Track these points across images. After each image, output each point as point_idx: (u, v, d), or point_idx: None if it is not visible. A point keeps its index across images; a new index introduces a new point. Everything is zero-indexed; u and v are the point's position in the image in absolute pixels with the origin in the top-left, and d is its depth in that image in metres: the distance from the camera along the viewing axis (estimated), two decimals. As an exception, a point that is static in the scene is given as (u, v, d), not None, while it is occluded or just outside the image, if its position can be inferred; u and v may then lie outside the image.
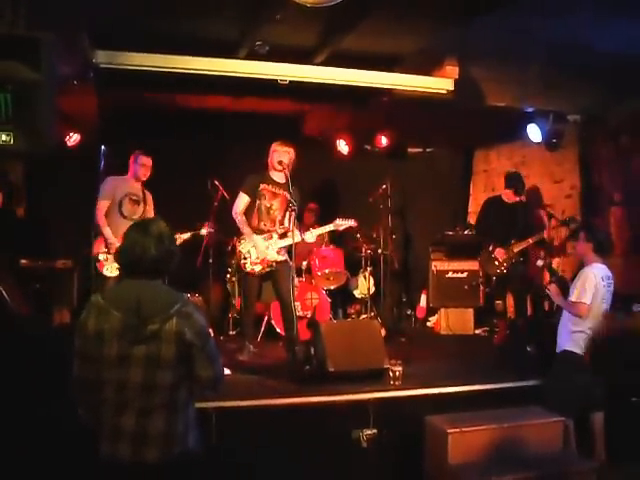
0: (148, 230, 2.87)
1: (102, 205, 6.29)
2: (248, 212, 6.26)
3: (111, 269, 6.13)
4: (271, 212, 6.24)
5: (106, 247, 6.17)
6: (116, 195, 6.35)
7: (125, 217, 6.29)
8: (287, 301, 6.02)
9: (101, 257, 6.20)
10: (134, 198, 6.44)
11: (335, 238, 8.48)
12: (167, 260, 2.89)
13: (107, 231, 6.21)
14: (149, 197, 6.65)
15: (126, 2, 4.95)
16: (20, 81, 3.65)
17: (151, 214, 6.63)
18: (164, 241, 2.86)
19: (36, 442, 4.16)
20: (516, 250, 7.21)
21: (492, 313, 7.95)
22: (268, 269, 6.19)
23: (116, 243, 6.10)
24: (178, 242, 6.24)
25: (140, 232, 2.88)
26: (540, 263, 6.31)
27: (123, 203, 6.30)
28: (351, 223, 6.52)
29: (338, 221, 6.47)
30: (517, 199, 7.44)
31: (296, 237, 5.87)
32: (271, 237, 6.21)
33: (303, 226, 6.93)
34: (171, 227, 2.99)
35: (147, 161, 6.47)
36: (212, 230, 6.87)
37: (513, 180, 7.51)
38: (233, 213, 6.27)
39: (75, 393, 2.87)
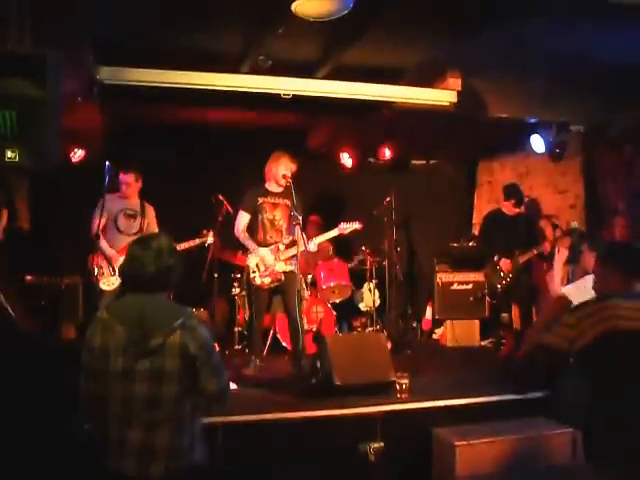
0: (147, 245, 2.89)
1: (97, 223, 6.36)
2: (252, 227, 6.27)
3: (107, 283, 6.20)
4: (275, 223, 6.24)
5: (105, 259, 6.27)
6: (111, 211, 6.46)
7: (121, 232, 6.41)
8: (294, 315, 6.02)
9: (96, 271, 6.26)
10: (129, 213, 6.55)
11: (340, 251, 8.48)
12: (166, 275, 2.89)
13: (104, 244, 6.33)
14: (149, 210, 6.72)
15: (129, 18, 4.97)
16: (25, 98, 3.67)
17: (153, 227, 6.71)
18: (163, 256, 2.87)
19: (43, 457, 4.15)
20: (521, 261, 7.20)
21: (498, 325, 7.92)
22: (277, 283, 6.18)
23: (116, 255, 6.23)
24: (184, 248, 6.35)
25: (139, 247, 2.90)
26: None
27: (118, 218, 6.39)
28: (356, 226, 6.47)
29: (342, 225, 6.43)
30: (517, 211, 7.44)
31: (302, 246, 5.85)
32: (277, 249, 6.19)
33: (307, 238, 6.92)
34: (174, 241, 3.01)
35: (125, 178, 6.55)
36: (214, 239, 6.83)
37: (511, 192, 7.52)
38: (235, 232, 6.28)
39: (82, 408, 2.87)
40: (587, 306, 3.14)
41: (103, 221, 6.37)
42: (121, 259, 6.21)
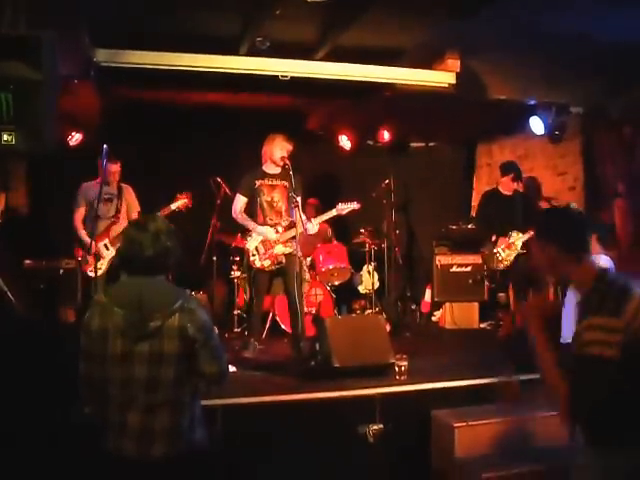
0: (145, 227, 2.88)
1: (77, 212, 6.67)
2: (251, 210, 6.25)
3: (92, 270, 6.28)
4: (274, 204, 6.22)
5: (85, 248, 6.36)
6: (88, 199, 6.60)
7: (100, 217, 6.42)
8: (294, 297, 6.03)
9: (81, 260, 6.47)
10: (106, 197, 6.59)
11: (339, 234, 8.48)
12: (164, 257, 2.88)
13: (82, 233, 6.58)
14: (127, 191, 6.84)
15: (127, 0, 4.94)
16: (21, 80, 3.65)
17: (134, 207, 6.85)
18: (160, 238, 2.86)
19: (42, 439, 4.17)
20: (518, 243, 7.18)
21: (496, 306, 7.93)
22: (278, 266, 6.18)
23: (94, 243, 6.23)
24: (165, 214, 6.31)
25: (137, 229, 2.89)
26: None
27: (96, 204, 6.30)
28: (354, 206, 6.44)
29: (340, 205, 6.39)
30: (515, 189, 7.40)
31: (300, 227, 5.89)
32: (277, 231, 6.19)
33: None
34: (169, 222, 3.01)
35: (113, 167, 6.65)
36: (187, 201, 6.69)
37: (509, 167, 7.51)
38: (233, 214, 6.27)
39: (81, 391, 2.88)
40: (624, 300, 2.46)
41: (83, 211, 6.63)
42: (100, 245, 6.50)
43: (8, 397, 4.22)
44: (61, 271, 7.27)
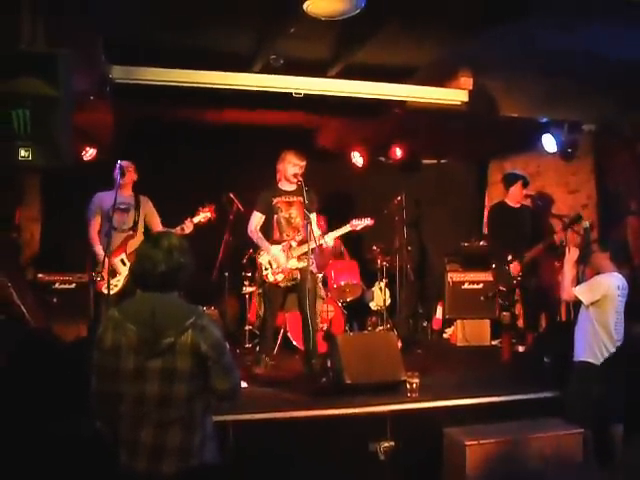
0: (158, 243, 2.89)
1: (92, 223, 6.30)
2: (267, 227, 6.27)
3: (110, 287, 5.89)
4: (292, 221, 6.23)
5: (100, 266, 6.02)
6: (103, 209, 6.27)
7: (115, 229, 6.14)
8: (307, 313, 6.01)
9: (95, 277, 6.14)
10: (122, 207, 6.28)
11: (351, 250, 8.48)
12: (177, 273, 2.89)
13: (98, 249, 6.15)
14: (144, 201, 6.53)
15: (142, 18, 4.99)
16: (38, 97, 3.70)
17: (153, 218, 6.55)
18: (173, 254, 2.87)
19: (54, 455, 4.17)
20: (527, 258, 7.06)
21: (499, 326, 7.72)
22: (293, 282, 6.18)
23: (111, 258, 6.02)
24: (191, 228, 6.22)
25: (150, 246, 2.91)
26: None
27: (112, 215, 6.01)
28: (368, 222, 6.39)
29: (354, 222, 6.36)
30: (524, 195, 7.35)
31: (313, 243, 5.87)
32: (290, 246, 6.19)
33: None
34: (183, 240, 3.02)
35: (128, 164, 6.37)
36: (211, 214, 6.51)
37: (514, 176, 7.48)
38: (249, 231, 6.27)
39: (93, 406, 2.89)
40: None
41: (98, 221, 6.29)
42: (116, 260, 6.16)
43: (19, 409, 4.24)
44: (74, 285, 7.31)
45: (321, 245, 6.12)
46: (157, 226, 6.53)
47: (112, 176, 6.35)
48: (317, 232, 6.11)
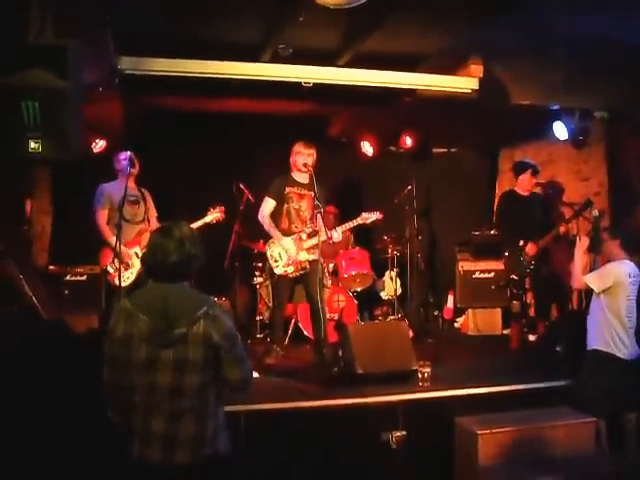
0: (170, 234, 2.90)
1: (102, 215, 6.34)
2: (276, 216, 6.27)
3: (123, 279, 5.89)
4: (301, 213, 6.25)
5: (115, 257, 5.95)
6: (113, 201, 6.30)
7: (128, 221, 6.19)
8: (316, 303, 6.03)
9: (110, 269, 6.18)
10: (132, 199, 6.36)
11: (361, 240, 8.47)
12: (188, 263, 2.90)
13: (113, 240, 5.94)
14: (147, 195, 6.61)
15: (150, 8, 4.98)
16: (47, 89, 3.70)
17: (153, 212, 6.63)
18: (185, 244, 2.88)
19: (66, 445, 4.19)
20: (540, 247, 6.96)
21: (509, 315, 7.66)
22: (302, 272, 6.19)
23: (125, 250, 6.11)
24: (197, 227, 6.16)
25: (162, 236, 2.91)
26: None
27: (123, 207, 5.97)
28: (377, 215, 6.45)
29: (364, 214, 6.41)
30: (534, 182, 7.29)
31: (322, 235, 5.93)
32: (300, 238, 6.20)
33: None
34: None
35: (127, 154, 6.40)
36: (220, 215, 6.59)
37: (523, 164, 7.40)
38: (259, 217, 6.28)
39: (105, 397, 2.90)
40: None
41: (107, 212, 6.33)
42: (131, 252, 6.24)
43: (31, 402, 4.26)
44: (85, 277, 7.33)
45: (330, 237, 6.12)
46: (155, 220, 6.59)
47: (114, 167, 6.38)
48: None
